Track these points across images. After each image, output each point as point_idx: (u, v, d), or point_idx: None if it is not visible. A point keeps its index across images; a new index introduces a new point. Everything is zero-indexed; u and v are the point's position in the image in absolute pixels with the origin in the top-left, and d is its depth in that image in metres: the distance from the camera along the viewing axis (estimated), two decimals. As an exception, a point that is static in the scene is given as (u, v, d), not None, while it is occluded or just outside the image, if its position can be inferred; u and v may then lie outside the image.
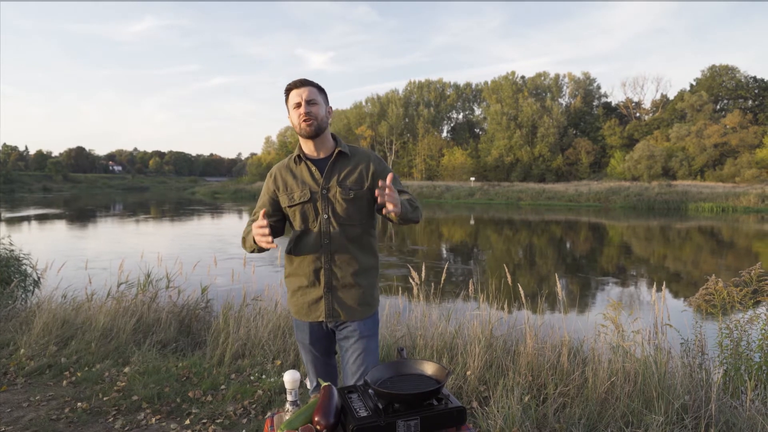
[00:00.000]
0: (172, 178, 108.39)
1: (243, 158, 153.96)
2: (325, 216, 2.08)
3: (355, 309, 2.12)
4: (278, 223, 2.16)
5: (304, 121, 2.04)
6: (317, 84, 2.10)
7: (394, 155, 73.24)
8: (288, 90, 2.08)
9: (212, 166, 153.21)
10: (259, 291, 5.43)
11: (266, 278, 9.29)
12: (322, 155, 2.14)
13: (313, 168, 2.11)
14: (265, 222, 1.86)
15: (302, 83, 2.07)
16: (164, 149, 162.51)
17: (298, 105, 2.05)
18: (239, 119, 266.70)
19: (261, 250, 1.96)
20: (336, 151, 2.13)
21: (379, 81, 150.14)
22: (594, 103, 69.11)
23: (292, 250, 2.14)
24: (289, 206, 2.12)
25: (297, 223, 2.13)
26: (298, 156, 2.15)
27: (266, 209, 2.16)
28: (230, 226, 23.24)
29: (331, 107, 2.17)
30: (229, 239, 16.83)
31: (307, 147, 2.13)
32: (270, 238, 1.84)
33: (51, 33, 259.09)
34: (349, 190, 2.09)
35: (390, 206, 1.79)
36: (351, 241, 2.10)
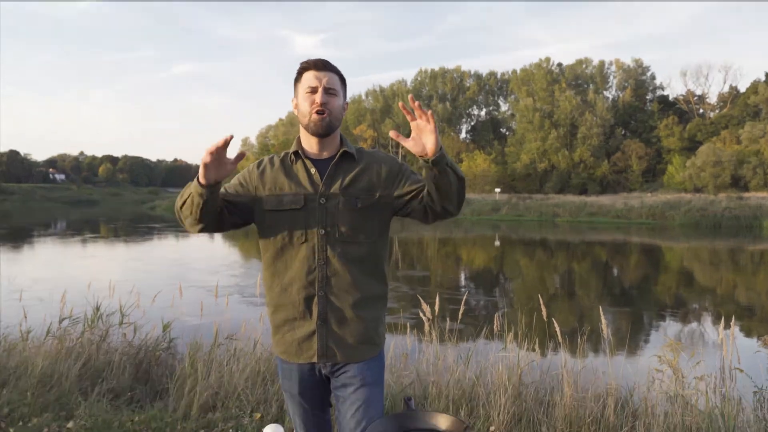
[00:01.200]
0: (127, 189, 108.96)
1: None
2: (322, 230, 2.04)
3: (356, 348, 2.08)
4: (228, 215, 2.08)
5: (317, 113, 2.02)
6: (340, 72, 2.09)
7: (401, 157, 73.51)
8: (303, 69, 2.06)
9: (177, 174, 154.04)
10: (234, 327, 5.44)
11: (243, 312, 9.30)
12: (325, 155, 2.12)
13: (313, 169, 2.09)
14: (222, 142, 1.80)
15: (324, 65, 2.05)
16: (117, 153, 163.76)
17: (314, 90, 2.03)
18: (209, 116, 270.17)
19: (206, 205, 1.92)
20: (340, 151, 2.11)
21: (382, 69, 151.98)
22: (647, 97, 69.48)
23: (275, 273, 2.10)
24: (273, 210, 2.07)
25: (278, 236, 2.07)
26: (296, 152, 2.12)
27: (227, 193, 2.11)
28: (199, 248, 23.29)
29: (347, 102, 2.17)
30: (197, 264, 16.88)
31: (309, 143, 2.11)
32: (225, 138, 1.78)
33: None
34: (355, 198, 2.05)
35: (427, 136, 1.82)
36: (353, 263, 2.05)
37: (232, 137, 1.79)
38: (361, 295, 2.07)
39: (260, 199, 2.11)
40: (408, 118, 1.86)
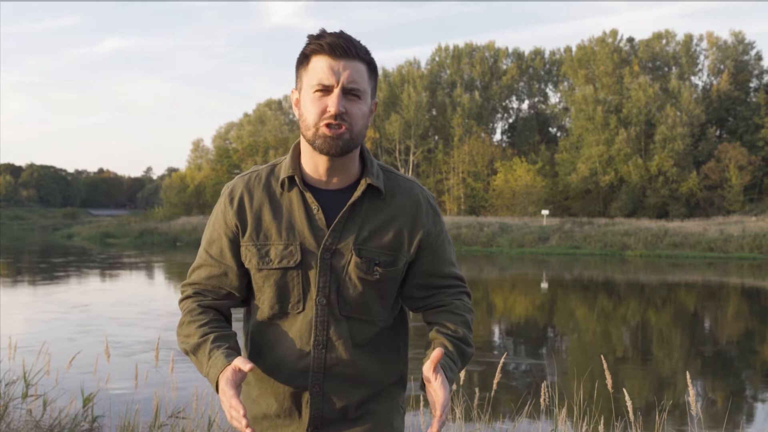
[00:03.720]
0: (33, 211, 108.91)
1: (155, 177, 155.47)
2: (323, 299, 1.93)
3: None
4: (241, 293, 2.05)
5: (327, 126, 1.83)
6: (370, 57, 1.91)
7: (413, 172, 73.68)
8: (313, 52, 1.86)
9: (102, 191, 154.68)
10: (182, 401, 5.46)
11: (194, 379, 9.27)
12: (335, 183, 1.96)
13: (315, 206, 1.92)
14: (241, 409, 1.70)
15: (346, 50, 1.84)
16: (20, 161, 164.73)
17: (326, 90, 1.84)
18: (148, 110, 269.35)
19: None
20: (362, 184, 1.93)
21: (386, 46, 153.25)
22: (751, 85, 69.70)
23: (257, 350, 2.03)
24: (259, 270, 1.96)
25: (266, 303, 1.97)
26: (291, 178, 1.95)
27: (227, 274, 2.00)
28: (134, 290, 23.32)
29: (376, 102, 1.99)
30: (131, 313, 16.87)
31: (313, 164, 1.94)
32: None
33: None
34: (373, 263, 1.93)
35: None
36: (362, 348, 1.98)
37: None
38: (371, 390, 2.03)
39: (244, 253, 1.98)
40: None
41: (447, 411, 1.73)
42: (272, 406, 2.00)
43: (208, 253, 2.00)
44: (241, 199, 1.96)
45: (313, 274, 1.91)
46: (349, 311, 1.93)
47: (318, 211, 1.91)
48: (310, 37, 1.86)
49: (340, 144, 1.83)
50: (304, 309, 1.93)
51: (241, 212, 1.96)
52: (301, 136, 1.93)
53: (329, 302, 1.92)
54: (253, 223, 1.94)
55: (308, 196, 1.91)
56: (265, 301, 1.96)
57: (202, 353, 1.87)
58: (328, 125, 1.81)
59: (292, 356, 1.94)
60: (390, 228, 1.94)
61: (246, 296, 2.04)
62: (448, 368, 1.83)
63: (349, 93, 1.82)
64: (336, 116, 1.80)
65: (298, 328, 1.94)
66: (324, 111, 1.81)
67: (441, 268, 2.02)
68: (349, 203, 1.90)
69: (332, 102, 1.80)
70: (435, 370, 1.74)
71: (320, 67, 1.82)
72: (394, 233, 1.94)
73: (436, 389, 1.73)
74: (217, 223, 2.00)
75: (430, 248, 1.99)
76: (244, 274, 1.99)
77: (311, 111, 1.83)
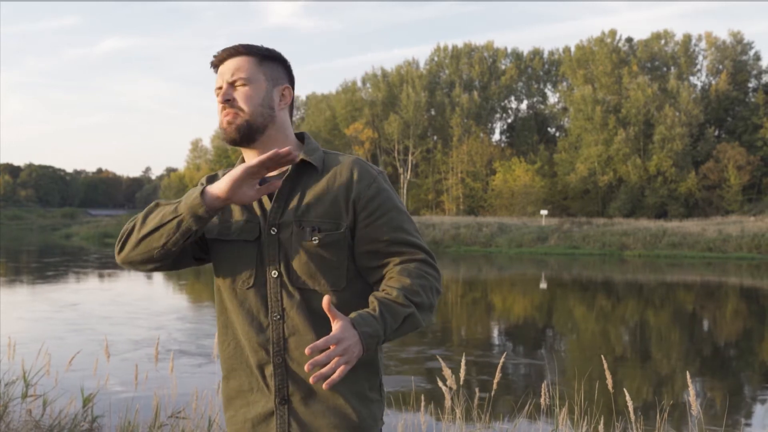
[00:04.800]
0: (32, 211, 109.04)
1: (154, 177, 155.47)
2: (274, 272, 2.03)
3: None
4: (190, 247, 2.10)
5: (224, 116, 2.04)
6: (259, 49, 2.11)
7: (411, 172, 73.75)
8: (213, 66, 2.14)
9: (102, 191, 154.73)
10: (181, 401, 5.46)
11: (194, 379, 9.28)
12: (272, 170, 2.04)
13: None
14: None
15: (228, 53, 2.09)
16: (19, 161, 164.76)
17: (219, 90, 2.08)
18: (148, 111, 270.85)
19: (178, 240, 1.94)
20: (297, 160, 2.01)
21: (385, 46, 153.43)
22: (750, 85, 69.81)
23: (227, 323, 2.12)
24: (218, 240, 2.10)
25: (227, 276, 2.09)
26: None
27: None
28: (133, 291, 23.31)
29: (288, 88, 2.16)
30: (131, 313, 16.86)
31: (248, 156, 2.14)
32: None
33: None
34: (311, 230, 2.01)
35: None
36: (319, 319, 1.99)
37: (297, 156, 1.84)
38: None
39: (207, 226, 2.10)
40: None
41: (336, 339, 1.76)
42: (245, 379, 2.08)
43: None
44: (211, 181, 2.12)
45: (264, 249, 2.02)
46: (300, 282, 2.01)
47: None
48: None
49: (234, 128, 2.02)
50: (255, 283, 2.03)
51: None
52: None
53: (280, 274, 2.01)
54: None
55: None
56: (226, 273, 2.08)
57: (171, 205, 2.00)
58: (224, 118, 2.03)
59: (253, 329, 2.02)
60: (326, 197, 2.04)
61: (176, 259, 2.09)
62: (360, 318, 1.86)
63: (233, 84, 2.05)
64: (224, 102, 2.02)
65: (254, 302, 2.03)
66: (219, 106, 2.05)
67: (384, 233, 2.04)
68: (283, 179, 2.02)
69: (219, 97, 2.05)
70: (330, 310, 1.81)
71: (216, 78, 2.10)
72: (330, 201, 2.03)
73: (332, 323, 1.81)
74: None
75: (366, 211, 2.05)
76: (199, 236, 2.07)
77: (218, 115, 2.07)
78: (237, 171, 1.85)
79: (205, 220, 1.91)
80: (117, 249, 2.07)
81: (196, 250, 2.13)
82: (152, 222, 1.98)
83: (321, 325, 1.98)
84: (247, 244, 2.04)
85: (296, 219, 2.01)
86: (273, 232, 2.02)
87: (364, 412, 2.07)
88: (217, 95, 2.07)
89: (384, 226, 2.05)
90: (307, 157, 2.07)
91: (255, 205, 2.06)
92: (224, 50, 2.08)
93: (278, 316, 2.01)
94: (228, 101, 2.02)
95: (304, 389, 2.01)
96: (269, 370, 2.02)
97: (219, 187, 1.88)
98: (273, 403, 2.02)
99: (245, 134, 2.03)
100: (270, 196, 2.06)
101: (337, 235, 2.02)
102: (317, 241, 2.00)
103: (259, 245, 2.03)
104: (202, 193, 1.90)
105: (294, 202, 2.04)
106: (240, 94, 2.03)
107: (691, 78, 70.20)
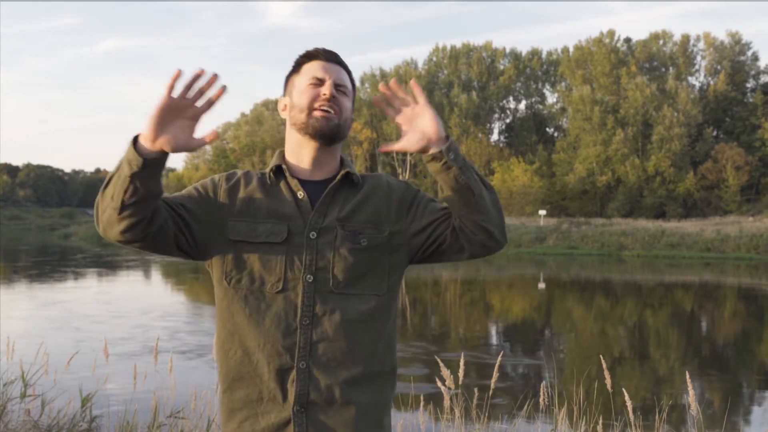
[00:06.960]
0: (30, 211, 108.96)
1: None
2: (309, 276, 1.99)
3: None
4: (174, 227, 1.99)
5: (322, 109, 2.03)
6: (352, 73, 2.20)
7: (410, 172, 73.75)
8: (306, 59, 2.12)
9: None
10: (180, 401, 5.45)
11: (193, 379, 9.25)
12: (317, 175, 2.11)
13: (301, 192, 2.06)
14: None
15: (335, 57, 2.13)
16: (17, 161, 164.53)
17: (320, 82, 2.06)
18: (146, 110, 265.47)
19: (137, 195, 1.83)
20: (341, 172, 2.10)
21: (383, 46, 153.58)
22: (748, 85, 69.84)
23: (234, 331, 2.02)
24: (241, 242, 2.03)
25: (244, 279, 2.02)
26: (278, 168, 2.10)
27: (181, 196, 2.08)
28: (131, 290, 23.31)
29: (352, 118, 2.23)
30: (129, 313, 16.86)
31: (298, 157, 2.11)
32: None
33: None
34: (358, 234, 2.04)
35: (422, 118, 2.00)
36: (352, 325, 2.00)
37: (217, 77, 1.77)
38: (360, 370, 2.00)
39: (225, 225, 2.04)
40: (389, 114, 2.01)
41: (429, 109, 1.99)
42: (254, 389, 1.99)
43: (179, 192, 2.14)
44: (237, 181, 2.11)
45: (298, 253, 2.01)
46: (340, 286, 2.00)
47: (303, 195, 2.06)
48: (305, 52, 2.13)
49: (331, 125, 2.04)
50: (286, 287, 1.99)
51: (233, 191, 2.09)
52: (289, 130, 2.14)
53: (315, 279, 1.99)
54: (245, 202, 2.06)
55: (293, 182, 2.07)
56: (243, 277, 2.03)
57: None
58: (321, 108, 2.03)
59: (278, 334, 1.97)
60: (368, 205, 2.09)
61: (155, 236, 1.95)
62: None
63: (339, 88, 2.08)
64: (329, 99, 2.03)
65: (282, 306, 1.98)
66: (317, 96, 2.04)
67: (435, 207, 2.12)
68: (330, 186, 2.07)
69: (326, 87, 2.04)
70: (416, 86, 1.99)
71: (314, 67, 2.09)
72: (372, 208, 2.08)
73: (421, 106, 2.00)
74: (201, 184, 2.14)
75: (415, 203, 2.14)
76: (187, 218, 2.02)
77: (305, 97, 2.05)
78: (159, 100, 1.76)
79: (140, 164, 1.78)
80: (95, 223, 2.03)
81: (179, 236, 2.00)
82: (106, 181, 1.92)
83: (353, 332, 1.99)
84: (274, 246, 2.01)
85: (340, 224, 2.03)
86: (312, 236, 2.02)
87: (384, 422, 2.08)
88: (314, 84, 2.06)
89: (436, 203, 2.13)
90: (351, 171, 2.12)
91: (289, 208, 2.05)
92: (333, 53, 2.13)
93: (308, 321, 1.97)
94: (334, 98, 2.05)
95: (327, 398, 1.97)
96: (291, 376, 1.96)
97: (144, 128, 1.79)
98: (289, 411, 1.95)
99: (333, 133, 2.06)
100: (312, 201, 2.06)
101: (382, 239, 2.06)
102: (366, 243, 2.04)
103: (288, 248, 2.01)
104: (136, 138, 1.82)
105: (336, 209, 2.06)
106: (342, 99, 2.09)
107: (690, 78, 70.25)
